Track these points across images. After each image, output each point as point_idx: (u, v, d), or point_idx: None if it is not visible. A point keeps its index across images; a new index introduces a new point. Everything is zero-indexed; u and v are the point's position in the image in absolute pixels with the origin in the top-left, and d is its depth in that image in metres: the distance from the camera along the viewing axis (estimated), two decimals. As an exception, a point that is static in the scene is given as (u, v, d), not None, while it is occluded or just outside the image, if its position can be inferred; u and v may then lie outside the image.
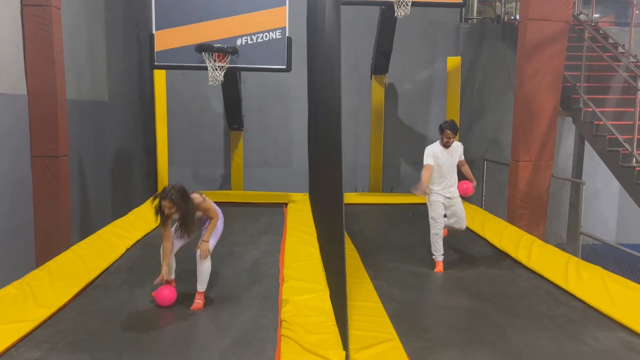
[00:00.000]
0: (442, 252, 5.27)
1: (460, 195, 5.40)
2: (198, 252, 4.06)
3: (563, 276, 4.72)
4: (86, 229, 7.13)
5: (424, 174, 5.23)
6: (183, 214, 3.91)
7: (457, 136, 5.62)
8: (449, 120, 5.41)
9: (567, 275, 4.71)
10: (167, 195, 3.82)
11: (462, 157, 5.44)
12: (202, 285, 4.10)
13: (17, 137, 5.69)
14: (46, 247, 5.90)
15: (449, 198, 5.30)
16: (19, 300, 3.77)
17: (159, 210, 3.91)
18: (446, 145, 5.25)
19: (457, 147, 5.37)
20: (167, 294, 4.02)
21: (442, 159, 5.25)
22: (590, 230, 7.28)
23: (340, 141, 3.74)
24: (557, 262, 5.03)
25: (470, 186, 5.46)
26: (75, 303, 4.03)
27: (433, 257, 5.26)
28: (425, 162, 5.29)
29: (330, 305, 3.79)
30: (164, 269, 4.00)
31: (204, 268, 4.07)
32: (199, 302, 4.04)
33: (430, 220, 5.30)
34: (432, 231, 5.26)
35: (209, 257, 4.10)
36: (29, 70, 5.87)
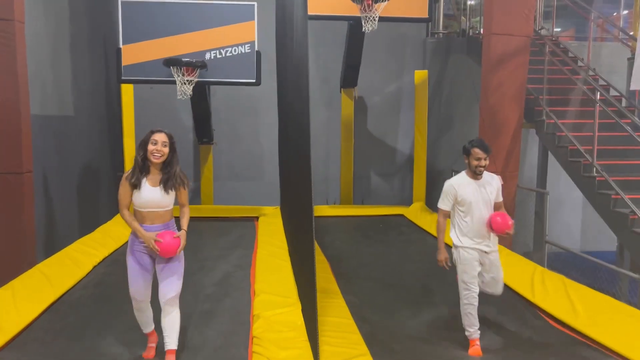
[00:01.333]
0: (478, 325, 3.72)
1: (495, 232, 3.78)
2: (164, 300, 3.22)
3: (529, 287, 4.81)
4: (51, 247, 6.95)
5: (438, 224, 3.91)
6: (171, 160, 3.25)
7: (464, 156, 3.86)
8: (476, 138, 3.99)
9: (533, 285, 4.80)
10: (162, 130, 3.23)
11: (500, 198, 3.86)
12: (173, 342, 3.24)
13: (-22, 153, 5.54)
14: (8, 266, 5.71)
15: (486, 253, 3.78)
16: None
17: (143, 155, 3.19)
18: (476, 172, 3.71)
19: (493, 179, 3.85)
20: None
21: (470, 196, 3.70)
22: (555, 238, 7.48)
23: (309, 154, 3.77)
24: (523, 272, 5.14)
25: (507, 219, 3.75)
26: (41, 321, 3.92)
27: (467, 333, 3.74)
28: (439, 204, 3.85)
29: (302, 320, 3.79)
30: (145, 235, 3.17)
31: (174, 318, 3.24)
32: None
33: (460, 285, 3.78)
34: (464, 300, 3.73)
35: (178, 307, 3.28)
36: (-9, 85, 5.74)
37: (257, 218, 8.02)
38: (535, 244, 7.30)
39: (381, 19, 6.89)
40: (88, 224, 7.76)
